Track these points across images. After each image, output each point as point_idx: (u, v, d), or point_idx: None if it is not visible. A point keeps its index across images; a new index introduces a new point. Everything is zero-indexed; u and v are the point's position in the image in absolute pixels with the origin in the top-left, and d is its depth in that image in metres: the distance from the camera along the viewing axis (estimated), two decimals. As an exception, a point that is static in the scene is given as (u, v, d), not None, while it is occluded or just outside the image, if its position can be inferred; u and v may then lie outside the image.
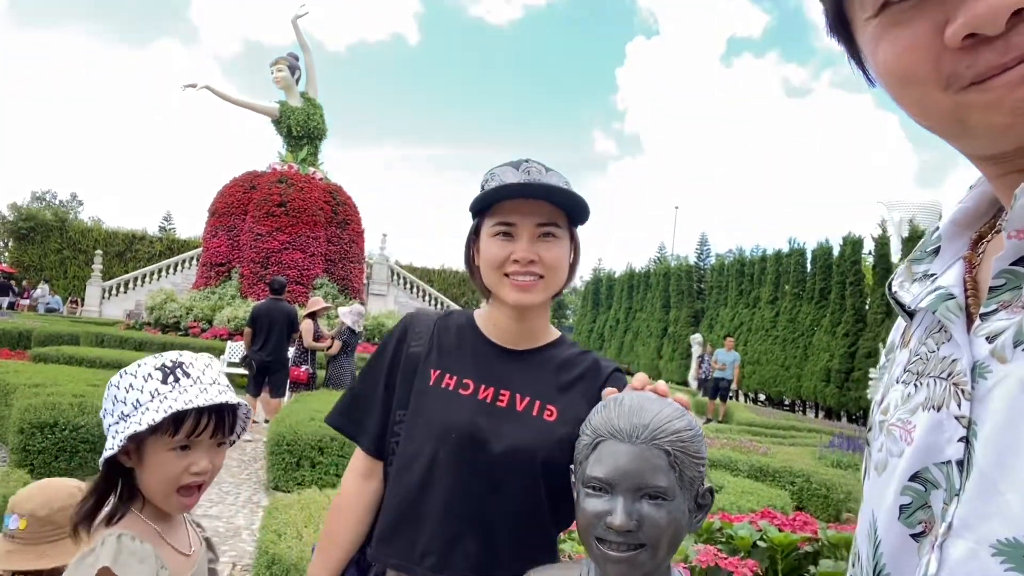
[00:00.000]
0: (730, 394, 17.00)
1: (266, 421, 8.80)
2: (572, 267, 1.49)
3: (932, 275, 0.62)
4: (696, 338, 22.06)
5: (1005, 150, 0.54)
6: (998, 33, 0.47)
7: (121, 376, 1.34)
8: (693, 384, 21.90)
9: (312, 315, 9.36)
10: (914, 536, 0.56)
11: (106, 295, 27.55)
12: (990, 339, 0.53)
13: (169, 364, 1.35)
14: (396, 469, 1.46)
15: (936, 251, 0.64)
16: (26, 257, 36.41)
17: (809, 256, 22.78)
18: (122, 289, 27.42)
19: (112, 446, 1.29)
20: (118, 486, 1.35)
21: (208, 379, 1.36)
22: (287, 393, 9.21)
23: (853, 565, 0.66)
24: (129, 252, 37.59)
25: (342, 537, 1.49)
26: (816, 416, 21.27)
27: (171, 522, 1.40)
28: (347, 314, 9.64)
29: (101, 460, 1.32)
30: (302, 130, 20.27)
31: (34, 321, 18.64)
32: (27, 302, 31.37)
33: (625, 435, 1.02)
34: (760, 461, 6.98)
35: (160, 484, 1.32)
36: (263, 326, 8.89)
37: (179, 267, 27.43)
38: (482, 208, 1.45)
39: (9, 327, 15.15)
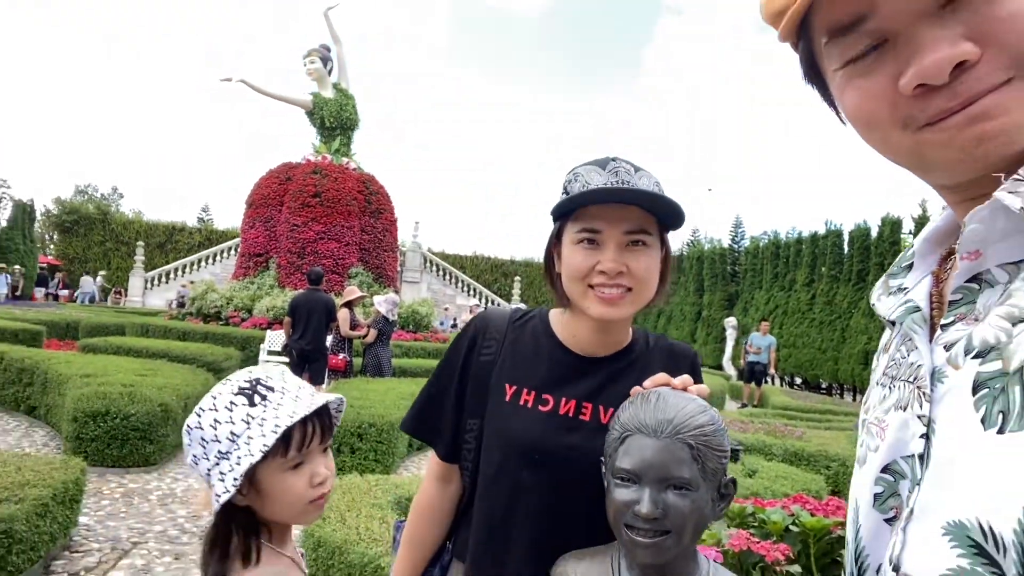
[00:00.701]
0: (766, 378, 16.87)
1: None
2: (663, 277, 1.38)
3: (905, 288, 0.69)
4: (730, 321, 21.87)
5: (959, 181, 0.61)
6: (944, 83, 0.54)
7: (200, 415, 1.21)
8: (728, 367, 21.77)
9: (348, 304, 9.53)
10: (887, 521, 0.63)
11: (148, 285, 28.30)
12: (947, 348, 0.60)
13: (247, 385, 1.23)
14: (481, 489, 1.40)
15: (910, 267, 0.70)
16: (71, 249, 37.45)
17: (846, 237, 22.42)
18: (164, 279, 28.12)
19: (227, 488, 1.16)
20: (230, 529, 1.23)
21: (292, 387, 1.27)
22: (326, 381, 9.41)
23: (845, 548, 0.74)
24: (169, 243, 38.42)
25: (424, 539, 1.49)
26: (854, 399, 20.99)
27: (287, 537, 1.33)
28: (382, 303, 9.80)
29: (216, 508, 1.19)
30: (335, 121, 20.50)
31: (80, 312, 19.23)
32: (65, 292, 32.53)
33: (651, 430, 1.10)
34: (795, 445, 6.97)
35: (291, 507, 1.24)
36: (302, 316, 9.09)
37: (218, 257, 28.02)
38: (565, 212, 1.34)
39: (57, 318, 15.66)
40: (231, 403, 1.20)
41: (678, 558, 1.13)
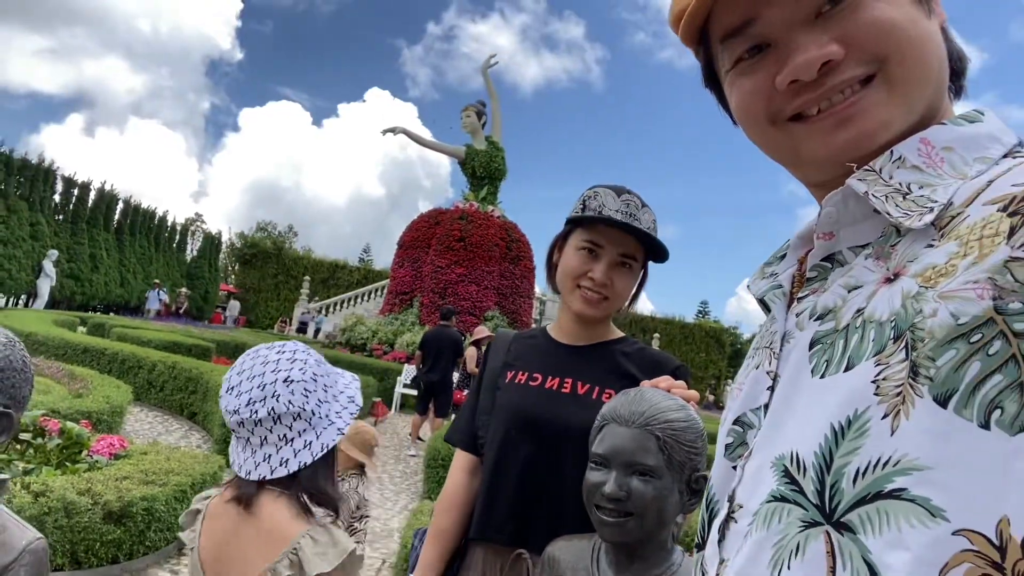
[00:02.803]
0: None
1: (429, 439, 9.38)
2: (635, 295, 1.66)
3: (775, 274, 0.76)
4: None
5: (827, 178, 0.69)
6: (812, 79, 0.64)
7: (320, 363, 1.43)
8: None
9: (477, 343, 9.89)
10: (733, 468, 0.70)
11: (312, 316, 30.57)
12: (799, 315, 0.68)
13: (315, 353, 1.48)
14: (486, 453, 1.66)
15: (783, 257, 0.77)
16: (248, 280, 41.29)
17: None
18: (324, 312, 30.30)
19: (348, 421, 1.40)
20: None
21: None
22: (450, 414, 9.76)
23: None
24: (332, 279, 41.31)
25: (448, 530, 1.66)
26: None
27: None
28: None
29: (334, 440, 1.37)
30: (484, 171, 21.56)
31: (249, 336, 21.18)
32: (232, 315, 35.72)
33: (624, 420, 1.21)
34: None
35: (363, 446, 1.54)
36: (431, 350, 9.56)
37: (372, 295, 29.84)
38: (578, 222, 1.61)
39: (228, 339, 17.37)
40: (319, 360, 1.44)
41: (650, 546, 1.22)
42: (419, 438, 10.05)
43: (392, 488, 7.58)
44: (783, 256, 0.78)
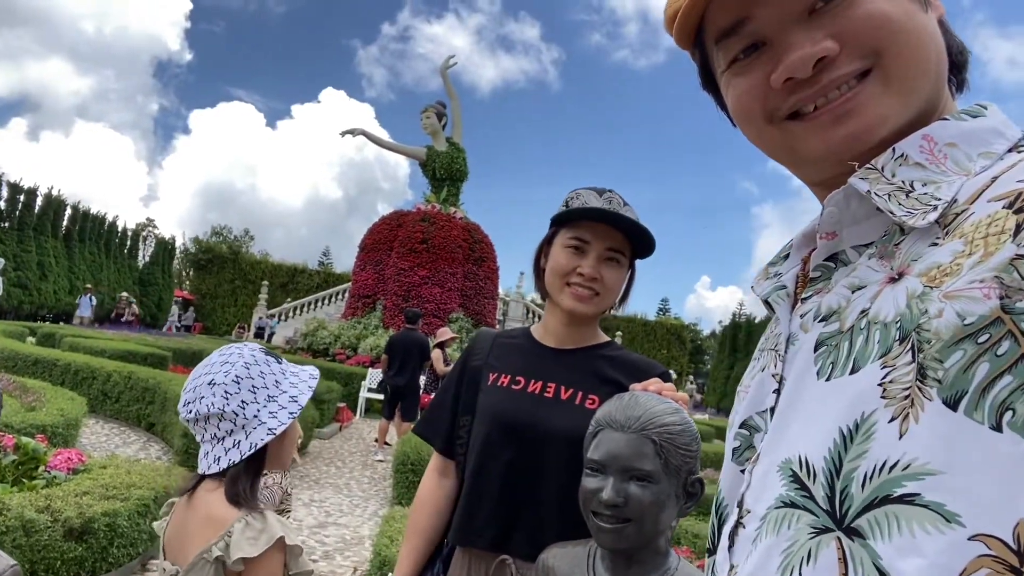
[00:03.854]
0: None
1: (396, 443, 9.30)
2: (626, 292, 1.65)
3: (779, 274, 0.75)
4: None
5: (826, 176, 0.68)
6: (807, 76, 0.63)
7: (248, 367, 1.47)
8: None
9: (441, 345, 9.85)
10: (743, 471, 0.69)
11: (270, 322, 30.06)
12: (803, 316, 0.67)
13: (264, 351, 1.55)
14: (469, 458, 1.63)
15: (787, 257, 0.77)
16: (203, 286, 40.45)
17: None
18: (283, 318, 29.84)
19: (281, 422, 1.46)
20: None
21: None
22: (418, 417, 9.68)
23: None
24: (291, 283, 40.73)
25: (421, 526, 1.67)
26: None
27: None
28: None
29: (263, 440, 1.44)
30: (445, 172, 21.52)
31: (206, 343, 20.73)
32: (174, 322, 33.91)
33: (619, 425, 1.19)
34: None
35: (291, 447, 1.53)
36: (397, 354, 9.48)
37: (333, 299, 29.48)
38: (562, 221, 1.61)
39: (184, 346, 16.96)
40: (266, 360, 1.52)
41: (646, 551, 1.20)
42: (386, 443, 9.96)
43: (361, 495, 7.48)
44: (787, 256, 0.77)
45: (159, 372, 10.47)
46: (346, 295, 24.21)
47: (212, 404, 1.43)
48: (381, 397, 10.63)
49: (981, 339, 0.47)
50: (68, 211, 30.54)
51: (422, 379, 9.87)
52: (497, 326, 21.39)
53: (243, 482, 1.43)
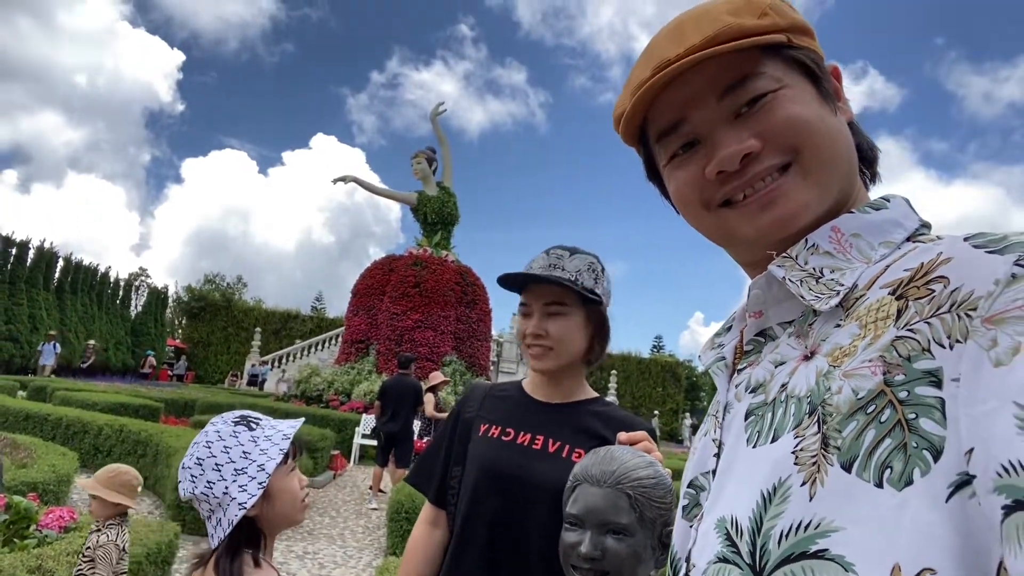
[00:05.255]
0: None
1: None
2: (593, 337, 1.70)
3: (722, 345, 0.84)
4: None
5: (756, 259, 0.77)
6: (736, 169, 0.72)
7: (209, 446, 1.47)
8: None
9: (433, 389, 9.84)
10: (690, 527, 0.76)
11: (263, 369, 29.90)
12: (737, 387, 0.75)
13: (239, 418, 1.53)
14: (459, 506, 1.68)
15: (729, 329, 0.85)
16: (196, 334, 40.27)
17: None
18: (276, 364, 29.69)
19: (252, 494, 1.44)
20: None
21: (267, 417, 1.59)
22: (412, 463, 9.60)
23: None
24: (284, 330, 40.58)
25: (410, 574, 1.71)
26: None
27: (272, 550, 1.57)
28: (468, 389, 10.02)
29: (238, 516, 1.43)
30: (437, 217, 21.72)
31: (199, 392, 20.60)
32: (190, 373, 33.66)
33: (595, 480, 1.24)
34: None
35: (292, 505, 1.53)
36: (391, 399, 9.44)
37: (326, 344, 29.38)
38: (514, 291, 1.74)
39: (176, 396, 16.86)
40: (233, 432, 1.49)
41: None
42: (380, 490, 9.87)
43: (355, 544, 7.40)
44: (730, 328, 0.85)
45: (151, 424, 10.40)
46: (339, 340, 24.18)
47: (184, 489, 1.46)
48: (375, 443, 10.55)
49: (869, 409, 0.55)
50: (60, 263, 30.53)
51: (416, 424, 9.83)
52: (491, 367, 21.36)
53: (224, 562, 1.44)
